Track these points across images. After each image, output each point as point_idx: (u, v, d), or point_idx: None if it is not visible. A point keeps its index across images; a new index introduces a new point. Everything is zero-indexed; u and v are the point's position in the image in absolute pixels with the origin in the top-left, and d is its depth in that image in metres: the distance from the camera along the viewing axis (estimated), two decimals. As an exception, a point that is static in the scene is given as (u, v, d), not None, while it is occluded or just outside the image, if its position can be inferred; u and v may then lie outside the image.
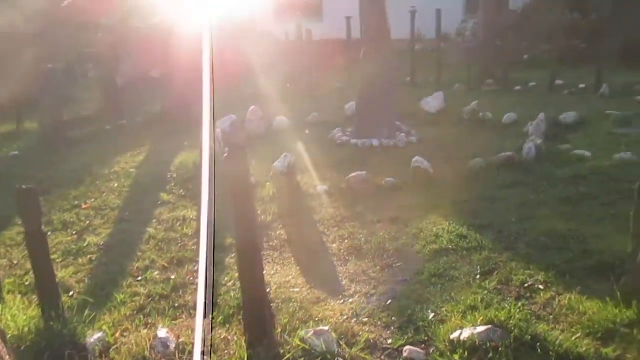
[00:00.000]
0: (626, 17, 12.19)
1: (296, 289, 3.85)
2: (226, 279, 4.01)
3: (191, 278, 4.09)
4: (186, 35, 8.75)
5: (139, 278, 4.13)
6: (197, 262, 4.18)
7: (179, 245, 4.68)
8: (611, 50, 11.61)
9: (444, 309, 3.39)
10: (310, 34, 12.94)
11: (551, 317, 3.26)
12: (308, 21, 15.25)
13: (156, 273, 4.20)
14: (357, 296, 3.71)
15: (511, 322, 3.12)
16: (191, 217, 5.20)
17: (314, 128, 8.48)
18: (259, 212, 5.16)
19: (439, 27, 12.72)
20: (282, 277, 4.05)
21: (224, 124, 7.57)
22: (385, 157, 6.87)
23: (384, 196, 5.48)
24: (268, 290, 3.77)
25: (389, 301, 3.59)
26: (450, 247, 4.29)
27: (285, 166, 5.97)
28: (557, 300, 3.42)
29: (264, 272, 3.95)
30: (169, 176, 6.39)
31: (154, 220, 5.20)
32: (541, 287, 3.59)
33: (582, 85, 10.70)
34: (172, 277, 4.12)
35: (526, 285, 3.63)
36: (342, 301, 3.66)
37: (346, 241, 4.55)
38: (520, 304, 3.38)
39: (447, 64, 12.54)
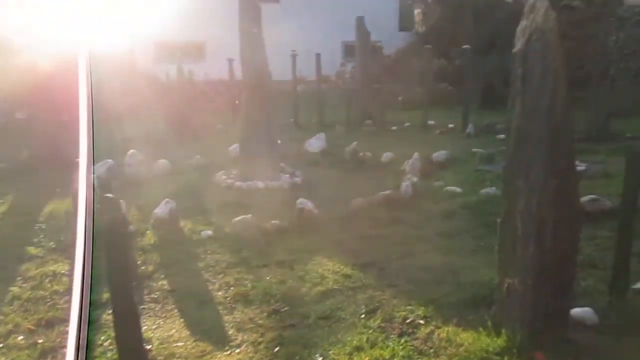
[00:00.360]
0: (484, 64, 13.55)
1: (180, 343, 3.67)
2: (102, 338, 3.72)
3: (62, 340, 3.73)
4: (57, 73, 8.27)
5: (0, 345, 3.71)
6: (69, 322, 3.84)
7: (49, 304, 4.28)
8: (473, 93, 12.79)
9: (331, 352, 3.40)
10: (192, 75, 12.83)
11: (432, 351, 3.39)
12: (190, 62, 15.14)
13: (20, 338, 3.79)
14: (244, 345, 3.61)
15: (395, 359, 3.20)
16: (62, 271, 4.80)
17: (197, 171, 8.31)
18: (139, 262, 4.90)
19: (319, 69, 13.23)
20: (164, 331, 3.84)
21: (100, 169, 7.19)
22: (270, 199, 6.87)
23: (270, 239, 5.45)
24: (149, 347, 3.55)
25: (277, 348, 3.54)
26: (336, 287, 4.35)
27: (166, 212, 5.76)
28: (436, 333, 3.57)
29: (144, 327, 3.74)
30: (37, 227, 5.88)
31: (19, 278, 4.73)
32: (422, 322, 3.73)
33: (451, 125, 11.62)
34: (40, 340, 3.74)
35: (408, 321, 3.75)
36: (228, 352, 3.54)
37: (232, 288, 4.44)
38: (403, 340, 3.49)
39: (328, 105, 13.00)
